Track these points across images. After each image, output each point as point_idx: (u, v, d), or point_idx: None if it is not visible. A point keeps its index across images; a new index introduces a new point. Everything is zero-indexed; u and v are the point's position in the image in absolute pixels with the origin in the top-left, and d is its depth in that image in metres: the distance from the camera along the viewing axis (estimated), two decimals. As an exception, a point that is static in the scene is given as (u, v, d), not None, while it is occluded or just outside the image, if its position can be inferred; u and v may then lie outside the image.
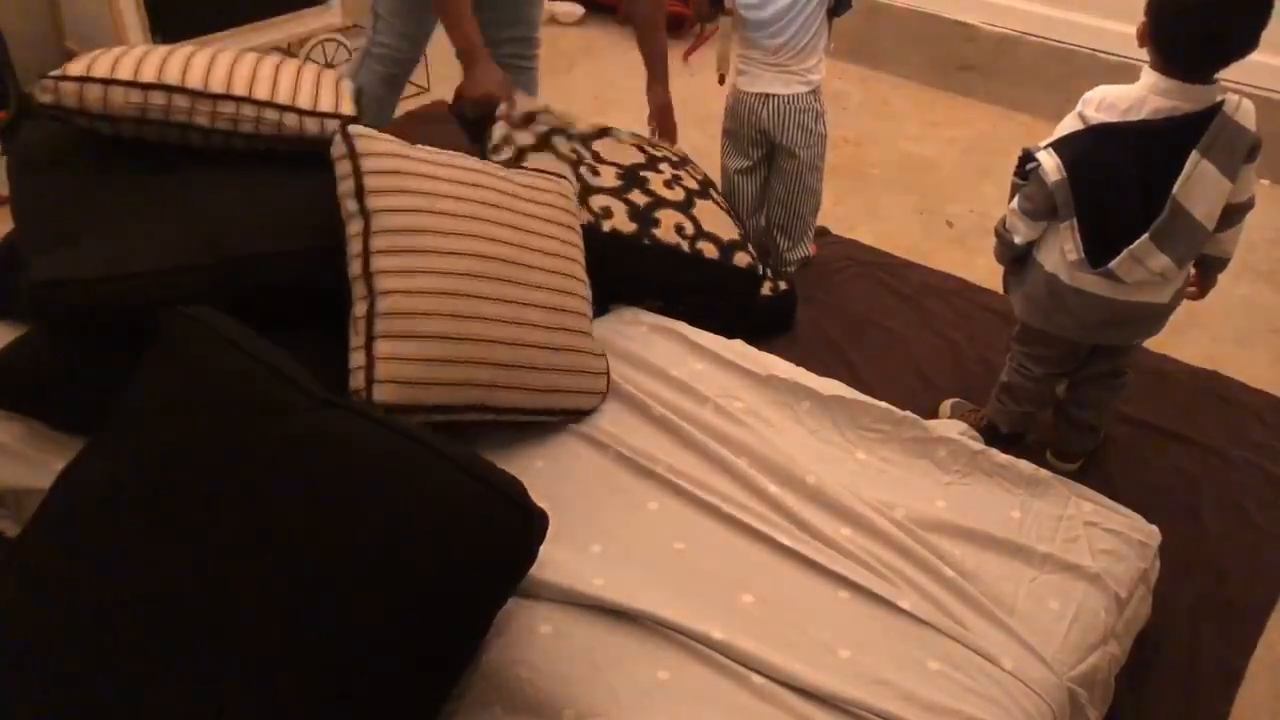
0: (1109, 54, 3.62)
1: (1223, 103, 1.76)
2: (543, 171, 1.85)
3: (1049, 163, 1.85)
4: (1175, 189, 1.76)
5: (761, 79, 2.49)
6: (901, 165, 3.47)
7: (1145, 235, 1.79)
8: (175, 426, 1.31)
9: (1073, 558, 1.56)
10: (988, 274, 2.83)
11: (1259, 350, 2.65)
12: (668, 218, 2.18)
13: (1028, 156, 1.92)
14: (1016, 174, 1.96)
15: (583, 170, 2.17)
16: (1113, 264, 1.83)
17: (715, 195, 2.42)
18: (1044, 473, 1.72)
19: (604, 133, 2.34)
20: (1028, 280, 2.01)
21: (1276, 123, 3.28)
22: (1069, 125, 1.88)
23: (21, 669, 1.19)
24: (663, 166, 2.34)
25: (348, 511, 1.20)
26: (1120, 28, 3.58)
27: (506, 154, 2.12)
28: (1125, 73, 3.80)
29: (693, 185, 2.35)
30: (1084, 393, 2.16)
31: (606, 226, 2.06)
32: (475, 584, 1.22)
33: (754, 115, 2.53)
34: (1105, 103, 1.83)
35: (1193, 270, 1.98)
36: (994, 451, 1.74)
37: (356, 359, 1.52)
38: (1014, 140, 3.79)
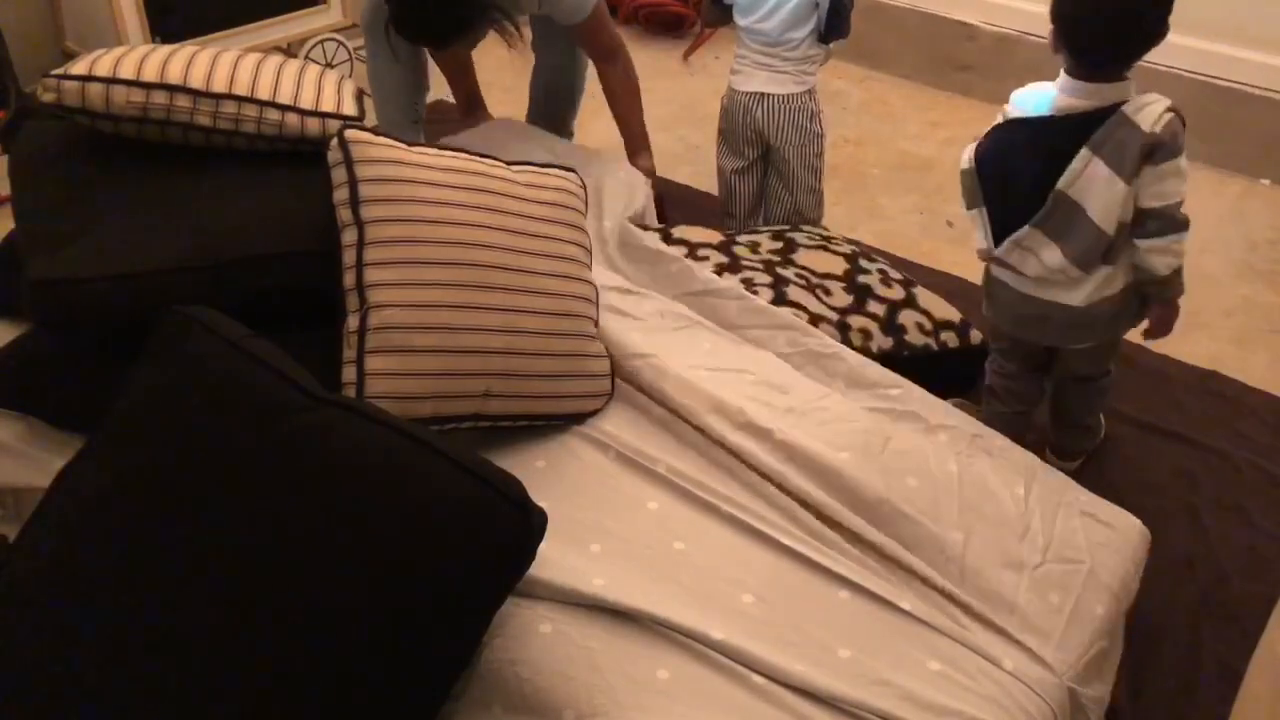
0: (1109, 54, 3.61)
1: (1124, 102, 1.77)
2: (548, 168, 1.85)
3: (964, 154, 1.96)
4: (1060, 181, 1.80)
5: (756, 78, 2.49)
6: (901, 165, 3.47)
7: (1028, 224, 1.85)
8: (173, 426, 1.31)
9: (1071, 550, 1.56)
10: (988, 274, 2.84)
11: (1259, 350, 2.65)
12: (908, 319, 2.22)
13: None
14: None
15: (817, 293, 2.19)
16: (999, 250, 1.92)
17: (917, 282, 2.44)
18: (1035, 459, 1.73)
19: (791, 245, 2.36)
20: (988, 280, 2.09)
21: (1276, 123, 3.29)
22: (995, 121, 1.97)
23: (20, 669, 1.19)
24: (864, 263, 2.36)
25: (346, 510, 1.20)
26: (1120, 28, 3.58)
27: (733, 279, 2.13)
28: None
29: (898, 275, 2.37)
30: (1065, 396, 2.18)
31: (875, 348, 2.12)
32: (474, 583, 1.22)
33: (749, 115, 2.53)
34: (1020, 98, 1.91)
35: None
36: (992, 434, 1.75)
37: (348, 374, 1.52)
38: (1014, 140, 3.81)
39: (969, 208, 1.99)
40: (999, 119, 1.94)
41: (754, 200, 2.70)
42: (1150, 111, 1.75)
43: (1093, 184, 1.78)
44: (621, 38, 2.60)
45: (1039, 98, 1.87)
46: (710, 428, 1.64)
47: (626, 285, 1.99)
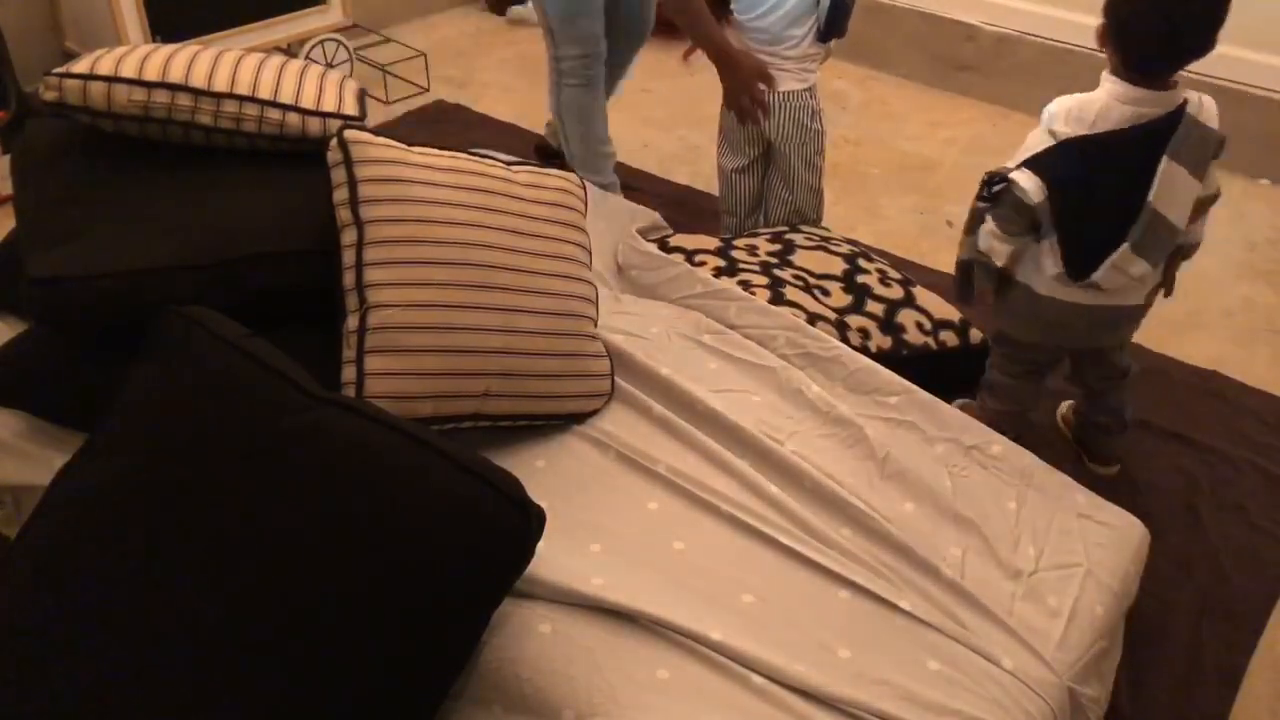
0: (1109, 54, 3.62)
1: (1185, 104, 1.76)
2: (547, 168, 1.85)
3: (1030, 184, 1.84)
4: (1150, 196, 1.77)
5: None
6: (901, 165, 3.47)
7: (1126, 246, 1.80)
8: (172, 425, 1.31)
9: (1068, 553, 1.56)
10: (988, 274, 2.84)
11: (1259, 350, 2.65)
12: (907, 318, 2.22)
13: (995, 179, 1.90)
14: (980, 198, 1.94)
15: (815, 293, 2.19)
16: (1096, 276, 1.84)
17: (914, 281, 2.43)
18: (1034, 460, 1.73)
19: (789, 246, 2.36)
20: (1006, 296, 2.01)
21: (1276, 123, 3.29)
22: (1038, 141, 1.87)
23: (20, 669, 1.18)
24: (862, 263, 2.36)
25: (344, 508, 1.21)
26: (1120, 28, 3.58)
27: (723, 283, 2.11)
28: (1125, 73, 3.72)
29: (896, 275, 2.37)
30: (1102, 399, 2.16)
31: (873, 347, 2.12)
32: (473, 581, 1.22)
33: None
34: (1072, 115, 1.82)
35: None
36: (990, 441, 1.75)
37: (347, 374, 1.52)
38: (1014, 140, 3.79)
39: (1035, 237, 1.89)
40: (1046, 139, 1.85)
41: (754, 200, 2.69)
42: (1209, 109, 1.77)
43: (1171, 190, 1.77)
44: None
45: (1092, 111, 1.80)
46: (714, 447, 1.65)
47: (634, 308, 2.00)
